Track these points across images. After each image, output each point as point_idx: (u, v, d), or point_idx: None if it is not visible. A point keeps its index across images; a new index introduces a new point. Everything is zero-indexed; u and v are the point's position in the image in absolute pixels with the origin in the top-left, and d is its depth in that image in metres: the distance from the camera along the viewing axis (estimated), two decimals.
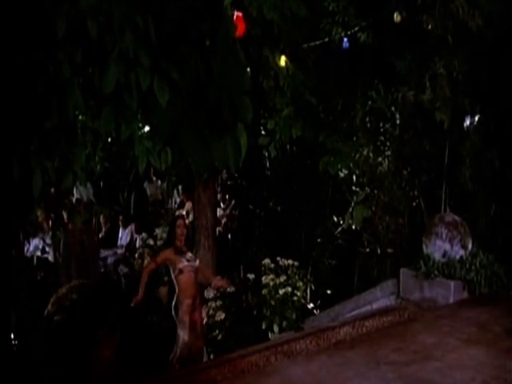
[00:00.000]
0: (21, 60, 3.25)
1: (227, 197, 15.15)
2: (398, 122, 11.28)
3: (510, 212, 9.70)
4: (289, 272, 9.70)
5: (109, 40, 3.20)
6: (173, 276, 8.33)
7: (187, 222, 13.82)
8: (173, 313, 8.35)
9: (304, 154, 12.60)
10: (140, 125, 4.82)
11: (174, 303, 8.37)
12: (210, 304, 8.81)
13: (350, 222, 11.63)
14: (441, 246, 7.54)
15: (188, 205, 14.59)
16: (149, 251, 12.98)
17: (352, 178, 12.16)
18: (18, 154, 3.39)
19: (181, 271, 8.21)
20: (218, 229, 12.71)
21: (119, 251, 13.93)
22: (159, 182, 18.01)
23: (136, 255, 13.48)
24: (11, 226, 4.37)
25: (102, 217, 14.78)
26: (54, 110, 3.37)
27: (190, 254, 8.41)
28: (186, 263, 8.21)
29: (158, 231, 13.80)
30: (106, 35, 3.19)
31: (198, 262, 8.54)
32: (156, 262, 8.50)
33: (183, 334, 8.19)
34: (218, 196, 14.35)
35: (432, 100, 9.89)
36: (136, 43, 3.21)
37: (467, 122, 10.39)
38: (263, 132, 11.09)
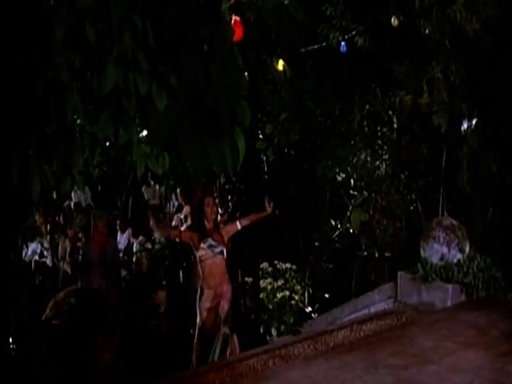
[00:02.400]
0: (20, 65, 3.26)
1: (228, 199, 15.15)
2: (395, 125, 11.29)
3: (508, 215, 9.72)
4: (287, 276, 9.70)
5: (107, 43, 3.21)
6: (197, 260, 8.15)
7: (185, 226, 13.90)
8: (197, 301, 8.16)
9: (302, 158, 12.62)
10: (138, 129, 4.83)
11: (198, 291, 8.18)
12: None
13: (348, 225, 11.66)
14: (438, 250, 7.54)
15: (186, 209, 14.61)
16: (146, 255, 13.01)
17: (350, 182, 12.17)
18: (17, 158, 3.40)
19: (201, 259, 7.99)
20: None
21: None
22: (157, 186, 18.04)
23: (134, 259, 13.50)
24: (10, 230, 4.37)
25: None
26: (52, 114, 3.38)
27: (213, 239, 8.03)
28: (206, 250, 7.92)
29: (156, 235, 13.82)
30: (104, 38, 3.20)
31: (239, 223, 8.31)
32: (180, 235, 8.32)
33: (199, 323, 8.09)
34: (217, 200, 14.34)
35: (429, 104, 9.91)
36: (134, 45, 3.22)
37: (465, 126, 10.40)
38: (261, 136, 11.12)
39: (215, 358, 7.75)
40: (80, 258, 10.83)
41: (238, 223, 8.38)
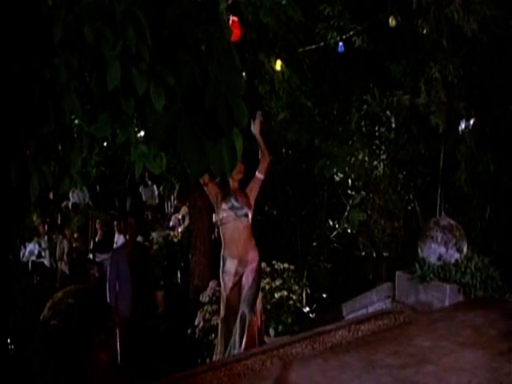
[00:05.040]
0: (18, 65, 3.27)
1: None
2: (393, 125, 11.32)
3: (505, 215, 9.74)
4: (284, 276, 9.70)
5: (111, 37, 3.21)
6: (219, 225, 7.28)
7: (183, 226, 13.90)
8: (220, 273, 7.26)
9: (300, 158, 12.64)
10: (136, 129, 4.83)
11: (221, 262, 7.25)
12: (205, 308, 8.80)
13: (346, 225, 11.68)
14: (436, 250, 7.55)
15: (183, 209, 14.62)
16: None
17: (347, 182, 12.20)
18: (15, 159, 3.41)
19: (222, 222, 7.11)
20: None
21: None
22: (154, 186, 18.05)
23: None
24: (9, 230, 4.38)
25: (97, 221, 14.79)
26: (51, 114, 3.38)
27: (237, 200, 7.10)
28: (228, 212, 7.03)
29: (154, 235, 13.82)
30: (108, 32, 3.20)
31: (258, 172, 7.24)
32: (208, 185, 7.16)
33: (224, 299, 7.17)
34: None
35: (427, 104, 9.94)
36: (138, 39, 3.22)
37: (462, 126, 10.43)
38: None
39: (234, 342, 7.01)
40: (108, 267, 9.48)
41: (257, 174, 7.36)
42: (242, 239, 7.13)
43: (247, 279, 7.12)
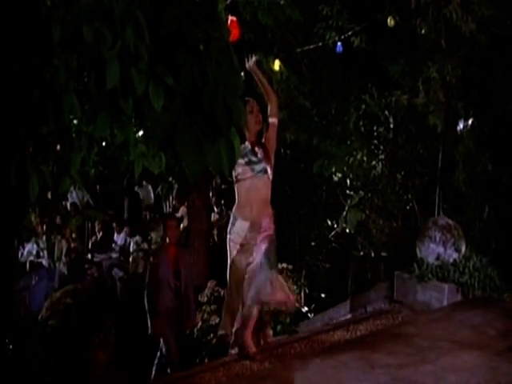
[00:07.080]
0: (18, 66, 3.27)
1: (222, 201, 15.17)
2: (391, 125, 11.32)
3: (503, 215, 9.74)
4: (283, 275, 9.70)
5: (110, 37, 3.21)
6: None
7: (181, 226, 13.89)
8: (227, 235, 6.41)
9: (298, 158, 12.63)
10: (134, 129, 4.83)
11: (230, 220, 6.43)
12: (204, 308, 8.81)
13: (344, 225, 11.67)
14: (434, 249, 7.57)
15: (182, 209, 14.62)
16: (143, 255, 13.00)
17: (346, 182, 12.19)
18: (15, 159, 3.41)
19: (237, 179, 6.26)
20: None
21: (114, 255, 13.93)
22: (149, 186, 18.03)
23: (130, 259, 13.49)
24: (8, 231, 4.38)
25: (96, 221, 14.78)
26: (50, 115, 3.39)
27: (254, 154, 6.26)
28: (244, 168, 6.16)
29: (153, 235, 13.81)
30: (107, 32, 3.21)
31: (270, 118, 6.37)
32: None
33: (230, 263, 6.31)
34: (212, 200, 14.38)
35: (425, 104, 9.95)
36: (136, 39, 3.23)
37: (460, 126, 10.43)
38: None
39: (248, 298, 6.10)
40: (148, 274, 8.42)
41: (269, 119, 6.45)
42: (258, 199, 6.26)
43: (259, 249, 6.24)
